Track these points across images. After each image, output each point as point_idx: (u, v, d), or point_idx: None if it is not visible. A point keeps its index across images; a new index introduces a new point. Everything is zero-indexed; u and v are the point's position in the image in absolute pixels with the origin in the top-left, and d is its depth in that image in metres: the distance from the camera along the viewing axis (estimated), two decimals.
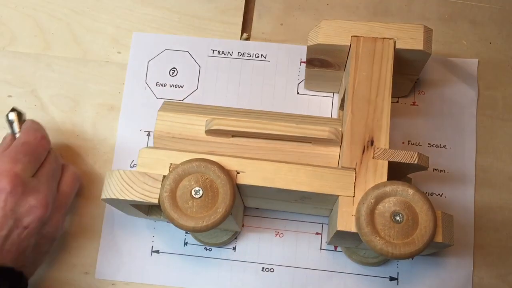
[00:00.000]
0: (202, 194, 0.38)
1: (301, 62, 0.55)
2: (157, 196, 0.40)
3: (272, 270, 0.51)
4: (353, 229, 0.39)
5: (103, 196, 0.41)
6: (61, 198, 0.47)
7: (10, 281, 0.41)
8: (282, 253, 0.51)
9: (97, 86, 0.56)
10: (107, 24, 0.57)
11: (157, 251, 0.52)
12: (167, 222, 0.52)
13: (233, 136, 0.44)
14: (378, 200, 0.38)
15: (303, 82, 0.55)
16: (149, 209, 0.48)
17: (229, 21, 0.57)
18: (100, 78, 0.56)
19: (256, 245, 0.51)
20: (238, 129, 0.42)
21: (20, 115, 0.49)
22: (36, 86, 0.56)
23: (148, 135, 0.54)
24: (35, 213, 0.43)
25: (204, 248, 0.52)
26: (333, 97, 0.54)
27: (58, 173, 0.47)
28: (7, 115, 0.48)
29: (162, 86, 0.55)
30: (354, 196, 0.40)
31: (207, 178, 0.39)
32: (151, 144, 0.54)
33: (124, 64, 0.56)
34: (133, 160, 0.54)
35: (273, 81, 0.55)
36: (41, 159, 0.46)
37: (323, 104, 0.54)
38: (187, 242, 0.52)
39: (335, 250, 0.51)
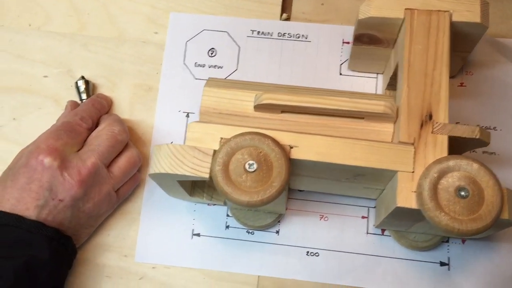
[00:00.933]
0: (256, 168, 0.37)
1: (343, 42, 0.54)
2: (208, 170, 0.38)
3: (317, 254, 0.49)
4: (414, 205, 0.37)
5: (151, 171, 0.39)
6: (110, 177, 0.46)
7: (57, 241, 0.42)
8: (327, 237, 0.49)
9: (134, 67, 0.54)
10: (143, 4, 0.56)
11: (198, 234, 0.50)
12: (208, 204, 0.50)
13: (282, 111, 0.42)
14: (441, 174, 0.36)
15: (345, 63, 0.53)
16: (192, 190, 0.47)
17: (268, 1, 0.56)
18: (137, 58, 0.55)
19: (300, 228, 0.50)
20: (290, 103, 0.40)
21: (87, 83, 0.52)
22: (72, 67, 0.54)
23: (187, 116, 0.53)
24: (69, 189, 0.43)
25: (246, 232, 0.50)
26: (377, 78, 0.53)
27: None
28: (76, 82, 0.52)
29: (200, 66, 0.54)
30: (413, 172, 0.38)
31: (260, 152, 0.37)
32: None
33: (162, 44, 0.55)
34: (172, 142, 0.52)
35: (315, 62, 0.54)
36: (119, 149, 0.47)
37: (367, 85, 0.53)
38: (228, 225, 0.50)
39: (383, 234, 0.49)
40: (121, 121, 0.49)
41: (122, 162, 0.47)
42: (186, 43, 0.55)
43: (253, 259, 0.49)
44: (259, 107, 0.42)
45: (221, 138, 0.40)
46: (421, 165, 0.38)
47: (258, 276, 0.49)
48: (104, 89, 0.54)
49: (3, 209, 0.41)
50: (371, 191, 0.45)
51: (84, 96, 0.52)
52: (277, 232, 0.50)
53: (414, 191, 0.37)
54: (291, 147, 0.39)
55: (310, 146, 0.39)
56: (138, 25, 0.56)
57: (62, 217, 0.43)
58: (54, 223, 0.43)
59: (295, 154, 0.39)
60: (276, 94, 0.41)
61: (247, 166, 0.37)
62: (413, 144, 0.39)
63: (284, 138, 0.39)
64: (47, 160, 0.42)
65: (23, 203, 0.42)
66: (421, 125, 0.39)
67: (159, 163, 0.39)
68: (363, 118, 0.42)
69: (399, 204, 0.37)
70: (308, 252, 0.49)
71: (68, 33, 0.55)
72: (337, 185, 0.45)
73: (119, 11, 0.56)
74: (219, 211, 0.51)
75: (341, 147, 0.39)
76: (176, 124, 0.53)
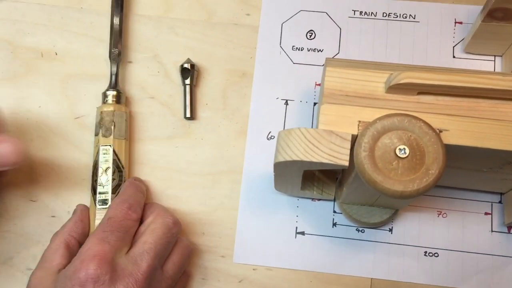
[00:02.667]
0: (409, 154, 0.32)
1: (455, 22, 0.49)
2: (346, 157, 0.34)
3: (436, 254, 0.44)
4: None
5: (279, 159, 0.35)
6: (165, 277, 0.40)
7: None
8: (447, 236, 0.45)
9: (226, 51, 0.50)
10: None
11: (302, 233, 0.46)
12: (312, 199, 0.46)
13: (419, 93, 0.37)
14: None
15: (458, 44, 0.49)
16: (302, 183, 0.43)
17: None
18: (228, 42, 0.50)
19: (416, 226, 0.45)
20: (435, 82, 0.36)
21: (192, 66, 0.48)
22: (159, 51, 0.50)
23: (286, 103, 0.48)
24: None
25: (356, 229, 0.45)
26: (494, 60, 0.48)
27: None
28: (182, 65, 0.48)
29: (299, 50, 0.50)
30: None
31: (411, 136, 0.33)
32: (289, 114, 0.48)
33: (255, 27, 0.51)
34: (270, 131, 0.48)
35: (425, 44, 0.49)
36: (173, 243, 0.41)
37: (484, 68, 0.48)
38: (335, 222, 0.46)
39: (509, 233, 0.44)
40: (168, 209, 0.43)
41: (176, 258, 0.41)
42: (282, 25, 0.50)
43: (364, 260, 0.45)
44: (394, 88, 0.37)
45: (359, 122, 0.35)
46: None
47: (371, 279, 0.44)
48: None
49: None
50: (507, 183, 0.40)
51: (188, 81, 0.48)
52: (390, 230, 0.45)
53: None
54: (440, 131, 0.34)
55: (463, 130, 0.34)
56: (229, 6, 0.51)
57: None
58: None
59: (447, 139, 0.34)
60: (417, 72, 0.36)
61: (398, 152, 0.32)
62: None
63: (432, 121, 0.34)
64: (96, 275, 0.36)
65: None
66: None
67: (290, 149, 0.34)
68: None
69: None
70: (426, 252, 0.45)
71: (154, 15, 0.51)
72: (470, 176, 0.40)
73: None
74: (325, 207, 0.46)
75: (499, 131, 0.34)
76: (274, 113, 0.48)
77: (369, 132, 0.33)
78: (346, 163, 0.34)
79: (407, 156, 0.32)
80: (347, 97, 0.38)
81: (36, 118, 0.48)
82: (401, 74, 0.36)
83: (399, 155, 0.32)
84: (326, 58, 0.41)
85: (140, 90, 0.49)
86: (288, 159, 0.34)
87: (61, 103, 0.49)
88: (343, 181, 0.42)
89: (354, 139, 0.35)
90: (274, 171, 0.38)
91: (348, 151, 0.34)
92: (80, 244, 0.42)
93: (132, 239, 0.40)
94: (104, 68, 0.50)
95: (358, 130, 0.35)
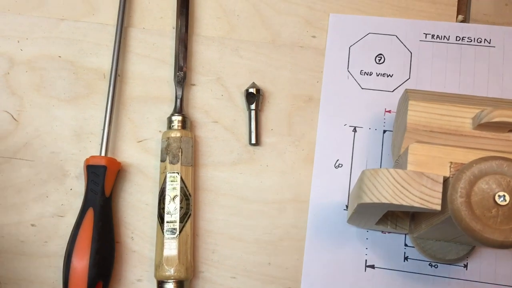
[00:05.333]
0: (509, 201, 0.31)
1: None
2: (439, 201, 0.32)
3: None
4: None
5: (366, 200, 0.34)
6: None
7: None
8: None
9: (292, 74, 0.49)
10: (299, 4, 0.51)
11: (372, 266, 0.44)
12: (382, 231, 0.44)
13: (510, 130, 0.36)
14: None
15: None
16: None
17: (441, 1, 0.49)
18: (294, 65, 0.49)
19: (493, 262, 0.43)
20: None
21: (258, 91, 0.47)
22: (222, 74, 0.49)
23: (354, 130, 0.47)
24: None
25: (429, 264, 0.44)
26: None
27: None
28: (246, 90, 0.47)
29: (367, 75, 0.48)
30: None
31: (510, 181, 0.31)
32: (357, 141, 0.47)
33: (321, 49, 0.49)
34: (337, 159, 0.46)
35: (501, 70, 0.47)
36: None
37: None
38: (407, 256, 0.44)
39: None
40: None
41: None
42: (349, 48, 0.49)
43: None
44: (483, 126, 0.35)
45: (451, 163, 0.33)
46: None
47: None
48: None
49: None
50: None
51: (253, 106, 0.47)
52: (465, 266, 0.43)
53: None
54: None
55: None
56: (293, 28, 0.50)
57: None
58: None
59: None
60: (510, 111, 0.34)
61: (497, 198, 0.31)
62: None
63: None
64: None
65: None
66: None
67: (377, 191, 0.33)
68: None
69: None
70: None
71: (217, 37, 0.50)
72: None
73: (272, 12, 0.51)
74: (396, 240, 0.45)
75: None
76: (342, 140, 0.47)
77: (465, 177, 0.31)
78: (439, 207, 0.32)
79: (507, 204, 0.31)
80: (431, 133, 0.36)
81: (99, 141, 0.48)
82: (494, 112, 0.34)
83: (498, 202, 0.31)
84: (406, 89, 0.39)
85: (203, 114, 0.48)
86: (376, 201, 0.33)
87: (124, 126, 0.48)
88: (420, 217, 0.40)
89: (445, 181, 0.33)
90: (355, 209, 0.37)
91: (440, 194, 0.32)
92: None
93: None
94: (167, 90, 0.49)
95: (450, 172, 0.33)
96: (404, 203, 0.32)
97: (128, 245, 0.45)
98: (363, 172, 0.34)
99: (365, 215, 0.38)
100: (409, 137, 0.37)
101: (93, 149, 0.48)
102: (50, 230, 0.46)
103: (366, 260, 0.44)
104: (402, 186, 0.33)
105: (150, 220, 0.46)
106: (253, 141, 0.47)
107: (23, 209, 0.46)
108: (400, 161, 0.37)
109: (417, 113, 0.37)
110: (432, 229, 0.38)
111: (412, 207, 0.32)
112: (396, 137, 0.41)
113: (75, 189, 0.47)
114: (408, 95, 0.38)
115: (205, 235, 0.45)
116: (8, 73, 0.50)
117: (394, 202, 0.32)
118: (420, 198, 0.32)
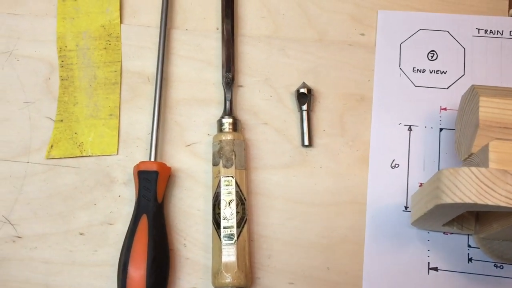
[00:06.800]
0: None
1: None
2: None
3: None
4: None
5: (446, 201, 0.32)
6: None
7: None
8: None
9: (342, 73, 0.48)
10: (345, 2, 0.50)
11: (435, 269, 0.43)
12: (444, 232, 0.43)
13: None
14: None
15: None
16: None
17: None
18: (344, 64, 0.48)
19: None
20: None
21: (309, 91, 0.46)
22: (270, 74, 0.48)
23: (409, 129, 0.46)
24: None
25: (494, 265, 0.42)
26: None
27: None
28: (297, 90, 0.46)
29: (420, 72, 0.47)
30: None
31: None
32: (413, 140, 0.45)
33: (371, 47, 0.48)
34: (393, 159, 0.45)
35: None
36: None
37: None
38: (471, 258, 0.43)
39: None
40: None
41: None
42: (400, 45, 0.48)
43: None
44: None
45: None
46: None
47: None
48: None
49: None
50: None
51: (304, 107, 0.45)
52: None
53: None
54: None
55: None
56: (341, 26, 0.49)
57: None
58: None
59: None
60: None
61: None
62: None
63: None
64: None
65: None
66: None
67: (459, 191, 0.32)
68: None
69: None
70: None
71: (263, 36, 0.49)
72: None
73: (317, 10, 0.49)
74: (459, 241, 0.43)
75: None
76: (397, 139, 0.46)
77: None
78: None
79: None
80: (505, 129, 0.35)
81: (146, 146, 0.46)
82: None
83: None
84: (474, 85, 0.38)
85: (252, 116, 0.47)
86: (458, 201, 0.32)
87: (171, 130, 0.47)
88: (489, 217, 0.39)
89: None
90: (430, 210, 0.35)
91: None
92: None
93: None
94: (213, 92, 0.48)
95: None
96: (490, 203, 0.31)
97: (181, 252, 0.44)
98: (440, 171, 0.33)
99: (436, 216, 0.37)
100: (483, 134, 0.36)
101: (140, 154, 0.46)
102: (100, 239, 0.44)
103: (428, 263, 0.43)
104: (486, 185, 0.31)
105: (203, 226, 0.44)
106: (306, 142, 0.46)
107: (71, 217, 0.45)
108: (475, 160, 0.36)
109: (490, 109, 0.36)
110: (506, 229, 0.37)
111: (499, 206, 0.31)
112: (463, 135, 0.39)
113: (124, 196, 0.45)
114: (477, 91, 0.37)
115: (260, 240, 0.44)
116: (49, 79, 0.48)
117: (479, 202, 0.31)
118: (506, 197, 0.31)
